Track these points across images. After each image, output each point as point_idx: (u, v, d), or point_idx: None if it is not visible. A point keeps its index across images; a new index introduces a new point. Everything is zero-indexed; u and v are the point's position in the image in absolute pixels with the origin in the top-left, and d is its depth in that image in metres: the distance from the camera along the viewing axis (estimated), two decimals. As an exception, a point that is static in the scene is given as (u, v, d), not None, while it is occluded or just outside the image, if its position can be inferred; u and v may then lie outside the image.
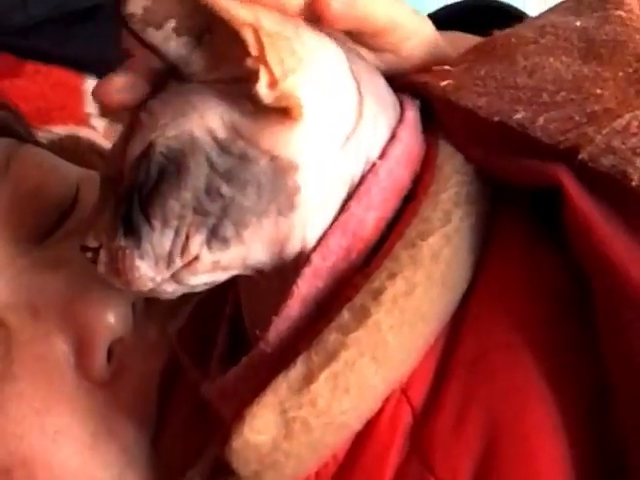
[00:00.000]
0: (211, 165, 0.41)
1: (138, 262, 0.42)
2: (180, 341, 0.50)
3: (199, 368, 0.49)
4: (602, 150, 0.39)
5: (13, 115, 0.67)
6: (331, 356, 0.40)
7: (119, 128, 0.45)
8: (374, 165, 0.43)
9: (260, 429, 0.40)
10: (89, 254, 0.44)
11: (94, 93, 0.45)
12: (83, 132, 0.77)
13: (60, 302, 0.53)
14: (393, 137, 0.44)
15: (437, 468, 0.40)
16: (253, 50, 0.40)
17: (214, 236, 0.42)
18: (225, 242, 0.42)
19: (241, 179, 0.41)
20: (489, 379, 0.40)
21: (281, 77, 0.40)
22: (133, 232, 0.42)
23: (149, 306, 0.55)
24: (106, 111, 0.45)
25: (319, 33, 0.44)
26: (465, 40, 0.50)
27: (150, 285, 0.43)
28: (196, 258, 0.42)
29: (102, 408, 0.53)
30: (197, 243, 0.42)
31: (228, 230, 0.41)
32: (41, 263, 0.55)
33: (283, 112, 0.41)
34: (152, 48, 0.42)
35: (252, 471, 0.41)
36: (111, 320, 0.53)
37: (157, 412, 0.53)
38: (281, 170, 0.41)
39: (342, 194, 0.43)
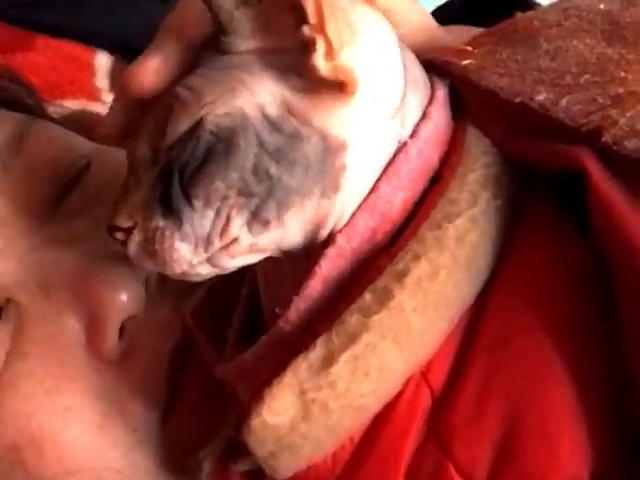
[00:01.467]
0: (261, 144, 0.40)
1: (178, 244, 0.40)
2: (195, 320, 0.50)
3: (214, 348, 0.48)
4: (626, 133, 0.39)
5: (25, 89, 0.67)
6: (352, 338, 0.40)
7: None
8: (405, 144, 0.42)
9: (278, 410, 0.40)
10: (119, 234, 0.42)
11: (128, 78, 0.43)
12: (94, 107, 0.77)
13: (72, 280, 0.53)
14: (424, 116, 0.43)
15: (456, 453, 0.40)
16: (312, 18, 0.38)
17: (255, 218, 0.40)
18: (266, 224, 0.40)
19: (290, 159, 0.40)
20: (511, 364, 0.40)
21: (338, 48, 0.39)
22: (172, 212, 0.40)
23: (162, 285, 0.54)
24: (143, 94, 0.43)
25: (369, 5, 0.42)
26: (471, 32, 0.50)
27: (185, 268, 0.41)
28: (235, 240, 0.41)
29: (112, 387, 0.53)
30: (238, 225, 0.40)
31: (270, 212, 0.40)
32: (53, 240, 0.54)
33: (337, 87, 0.40)
34: None
35: (268, 452, 0.41)
36: (123, 298, 0.52)
37: (168, 392, 0.53)
38: (331, 149, 0.40)
39: (378, 174, 0.42)
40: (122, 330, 0.53)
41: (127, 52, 0.80)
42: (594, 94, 0.40)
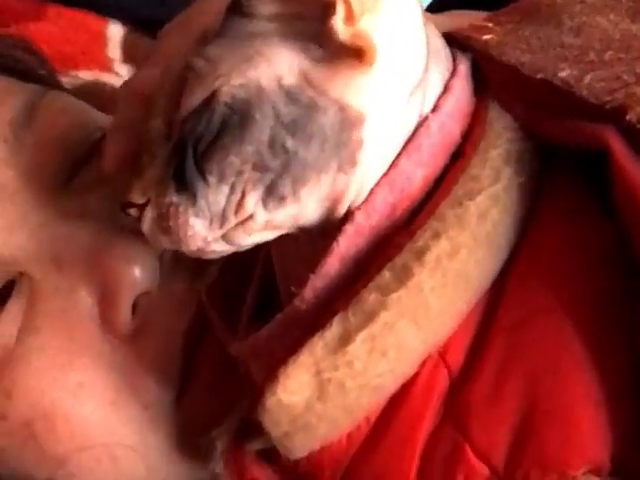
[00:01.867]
0: (277, 116, 0.39)
1: (192, 220, 0.39)
2: (209, 298, 0.49)
3: (228, 326, 0.47)
4: None
5: (37, 58, 0.66)
6: (369, 317, 0.39)
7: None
8: (426, 118, 0.41)
9: (294, 389, 0.39)
10: (133, 210, 0.41)
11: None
12: (107, 78, 0.76)
13: (85, 254, 0.52)
14: (446, 90, 0.42)
15: (473, 435, 0.40)
16: None
17: (270, 193, 0.39)
18: (282, 200, 0.39)
19: (307, 131, 0.39)
20: (530, 346, 0.40)
21: (359, 13, 0.38)
22: (187, 188, 0.39)
23: (176, 261, 0.53)
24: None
25: None
26: (472, 17, 0.49)
27: (200, 244, 0.40)
28: (250, 216, 0.40)
29: (125, 363, 0.52)
30: (253, 201, 0.39)
31: (286, 187, 0.39)
32: (66, 213, 0.54)
33: (356, 55, 0.38)
34: None
35: (283, 432, 0.40)
36: (137, 273, 0.52)
37: (182, 370, 0.52)
38: (348, 122, 0.39)
39: (398, 149, 0.41)
40: (135, 306, 0.52)
41: (139, 22, 0.79)
42: (618, 71, 0.40)
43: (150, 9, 0.78)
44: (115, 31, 0.80)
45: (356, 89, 0.39)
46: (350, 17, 0.38)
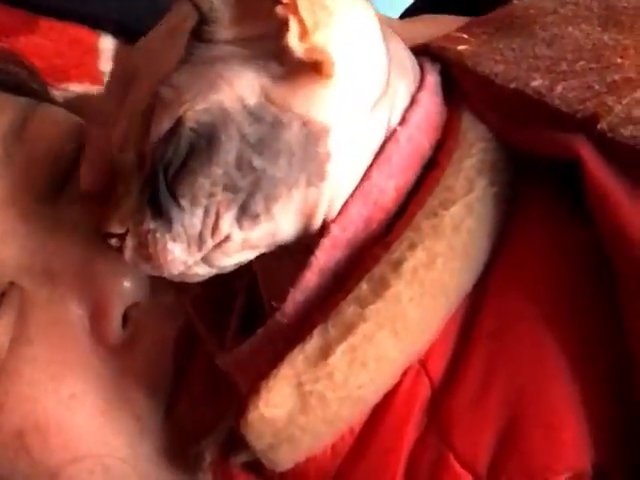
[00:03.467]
0: (242, 136, 0.39)
1: (170, 245, 0.40)
2: (196, 309, 0.49)
3: (215, 337, 0.48)
4: (622, 120, 0.38)
5: (29, 72, 0.66)
6: (349, 329, 0.39)
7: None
8: (394, 131, 0.42)
9: (276, 403, 0.40)
10: (113, 241, 0.42)
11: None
12: (98, 91, 0.76)
13: (76, 265, 0.53)
14: (413, 102, 0.43)
15: (456, 443, 0.40)
16: None
17: (244, 213, 0.40)
18: (255, 218, 0.40)
19: (273, 148, 0.39)
20: (511, 352, 0.40)
21: (312, 28, 0.38)
22: (162, 214, 0.40)
23: None
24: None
25: None
26: (457, 22, 0.49)
27: (181, 268, 0.41)
28: (227, 237, 0.40)
29: (116, 374, 0.52)
30: (228, 221, 0.40)
31: (259, 205, 0.40)
32: (57, 224, 0.54)
33: (314, 69, 0.39)
34: None
35: (267, 444, 0.41)
36: (127, 284, 0.52)
37: (172, 381, 0.53)
38: (313, 135, 0.40)
39: (368, 162, 0.41)
40: (126, 317, 0.53)
41: (131, 35, 0.79)
42: (590, 81, 0.40)
43: (142, 22, 0.78)
44: (107, 44, 0.80)
45: (318, 102, 0.40)
46: (304, 33, 0.38)
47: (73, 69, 0.78)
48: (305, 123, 0.40)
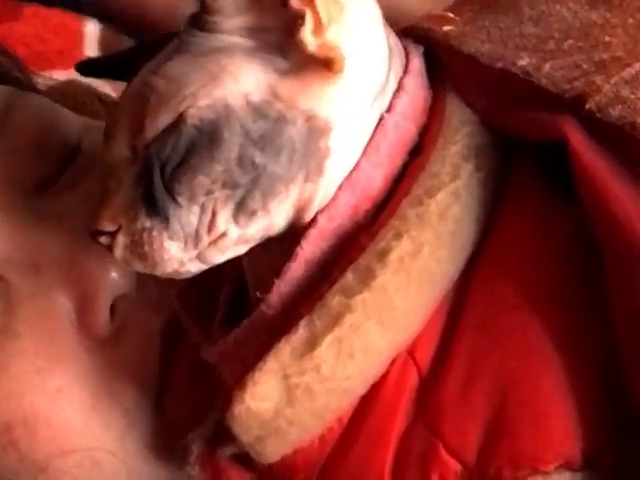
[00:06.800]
0: (246, 133, 0.38)
1: (167, 243, 0.39)
2: (181, 301, 0.49)
3: (201, 329, 0.47)
4: (610, 100, 0.38)
5: (12, 61, 0.66)
6: (335, 320, 0.39)
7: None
8: (382, 119, 0.41)
9: (262, 396, 0.39)
10: (103, 238, 0.40)
11: None
12: (84, 77, 0.75)
13: (62, 257, 0.52)
14: (399, 88, 0.42)
15: (445, 433, 0.39)
16: None
17: (241, 209, 0.39)
18: (252, 214, 0.39)
19: (275, 145, 0.39)
20: (499, 341, 0.39)
21: (327, 24, 0.38)
22: (158, 211, 0.39)
23: None
24: None
25: None
26: None
27: (176, 266, 0.40)
28: (223, 234, 0.40)
29: (104, 368, 0.52)
30: (224, 218, 0.39)
31: (257, 202, 0.39)
32: (43, 216, 0.54)
33: (324, 65, 0.38)
34: None
35: (253, 437, 0.40)
36: (114, 276, 0.51)
37: (160, 374, 0.52)
38: (316, 131, 0.39)
39: (360, 152, 0.41)
40: (113, 309, 0.52)
41: (116, 20, 0.79)
42: (578, 60, 0.39)
43: (126, 7, 0.78)
44: (92, 29, 0.80)
45: (325, 99, 0.39)
46: (318, 28, 0.38)
47: (57, 55, 0.77)
48: (309, 119, 0.39)
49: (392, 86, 0.42)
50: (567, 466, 0.38)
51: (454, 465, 0.39)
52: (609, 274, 0.38)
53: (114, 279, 0.51)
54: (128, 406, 0.52)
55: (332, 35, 0.38)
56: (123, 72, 0.44)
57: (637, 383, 0.37)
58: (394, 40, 0.43)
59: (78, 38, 0.79)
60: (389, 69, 0.41)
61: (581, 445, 0.38)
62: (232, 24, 0.39)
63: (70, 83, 0.73)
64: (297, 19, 0.37)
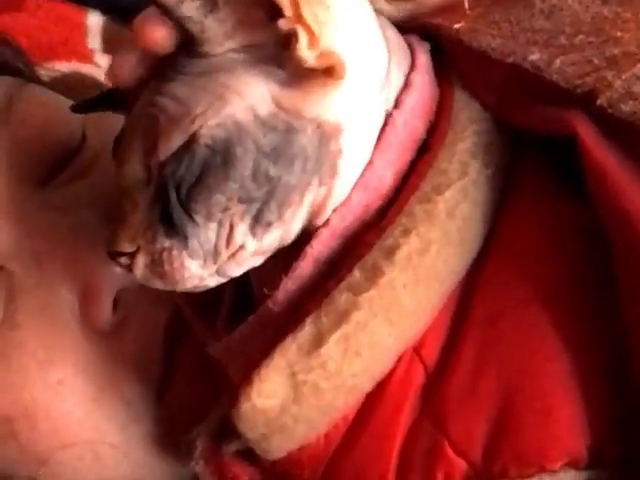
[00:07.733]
0: (258, 148, 0.39)
1: (188, 262, 0.40)
2: (186, 296, 0.49)
3: (205, 325, 0.47)
4: (622, 95, 0.38)
5: (15, 52, 0.65)
6: (342, 317, 0.39)
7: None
8: (391, 115, 0.41)
9: (268, 393, 0.39)
10: (123, 259, 0.41)
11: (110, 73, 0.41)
12: (87, 69, 0.75)
13: (65, 250, 0.52)
14: (407, 85, 0.42)
15: (450, 430, 0.39)
16: (287, 10, 0.37)
17: (257, 222, 0.39)
18: (268, 225, 0.39)
19: (287, 155, 0.39)
20: (505, 339, 0.39)
21: (318, 32, 0.37)
22: (176, 231, 0.39)
23: None
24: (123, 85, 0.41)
25: None
26: None
27: (196, 282, 0.40)
28: (241, 247, 0.40)
29: (106, 360, 0.52)
30: (241, 232, 0.39)
31: (273, 213, 0.39)
32: (46, 208, 0.54)
33: (325, 73, 0.38)
34: (166, 10, 0.38)
35: (259, 434, 0.40)
36: (117, 269, 0.51)
37: (163, 367, 0.52)
38: (326, 136, 0.39)
39: (371, 149, 0.41)
40: (116, 302, 0.52)
41: (119, 12, 0.79)
42: (589, 55, 0.39)
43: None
44: (95, 20, 0.80)
45: (330, 103, 0.39)
46: (312, 40, 0.37)
47: (60, 46, 0.77)
48: (319, 126, 0.39)
49: (398, 81, 0.42)
50: (573, 464, 0.38)
51: (460, 463, 0.39)
52: (620, 269, 0.38)
53: (116, 272, 0.51)
54: (131, 398, 0.52)
55: (326, 42, 0.38)
56: (118, 104, 0.44)
57: None
58: (395, 34, 0.43)
59: (81, 29, 0.78)
60: (389, 58, 0.41)
61: (587, 442, 0.38)
62: (224, 48, 0.39)
63: (74, 75, 0.73)
64: (290, 38, 0.37)
